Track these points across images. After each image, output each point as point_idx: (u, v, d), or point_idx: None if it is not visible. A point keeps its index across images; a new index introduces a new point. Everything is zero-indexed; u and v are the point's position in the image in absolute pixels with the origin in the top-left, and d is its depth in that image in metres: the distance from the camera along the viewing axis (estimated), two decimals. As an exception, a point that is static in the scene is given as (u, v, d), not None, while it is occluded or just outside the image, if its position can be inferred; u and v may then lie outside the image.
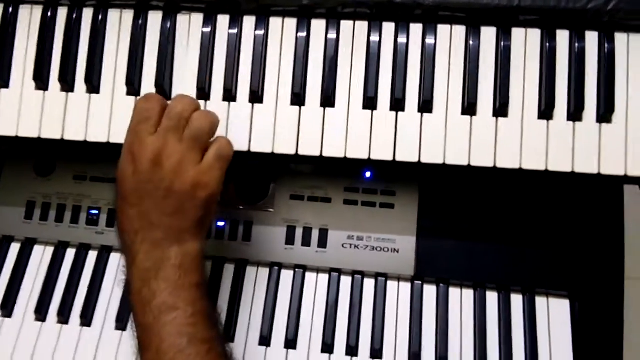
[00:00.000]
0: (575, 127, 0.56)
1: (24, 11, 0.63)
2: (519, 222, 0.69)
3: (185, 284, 0.51)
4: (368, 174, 0.71)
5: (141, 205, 0.51)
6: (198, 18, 0.61)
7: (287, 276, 0.70)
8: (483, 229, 0.69)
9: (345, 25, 0.60)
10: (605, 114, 0.56)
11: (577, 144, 0.56)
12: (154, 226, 0.51)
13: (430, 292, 0.69)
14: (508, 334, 0.67)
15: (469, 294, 0.69)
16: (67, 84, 0.61)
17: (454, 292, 0.69)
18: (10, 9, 0.63)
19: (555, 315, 0.67)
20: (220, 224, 0.71)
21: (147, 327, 0.49)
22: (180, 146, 0.52)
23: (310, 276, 0.70)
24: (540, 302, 0.68)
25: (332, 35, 0.59)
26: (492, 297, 0.69)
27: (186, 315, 0.49)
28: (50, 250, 0.74)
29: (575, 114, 0.56)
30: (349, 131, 0.58)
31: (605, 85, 0.56)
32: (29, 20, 0.63)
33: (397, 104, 0.58)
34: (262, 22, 0.60)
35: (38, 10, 0.63)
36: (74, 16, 0.62)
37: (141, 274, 0.51)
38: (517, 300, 0.68)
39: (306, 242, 0.70)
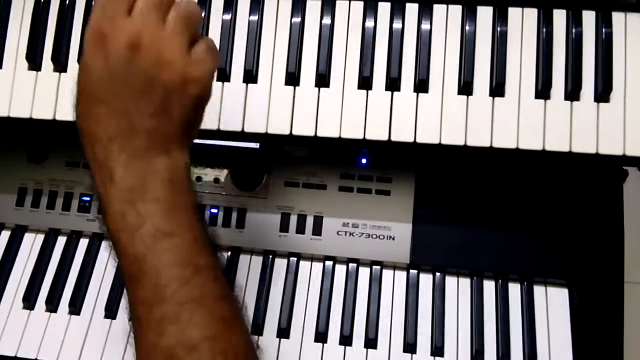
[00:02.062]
0: (573, 106, 0.56)
1: (18, -8, 0.63)
2: (517, 209, 0.68)
3: (179, 203, 0.42)
4: (364, 161, 0.70)
5: (115, 101, 0.41)
6: (193, -2, 0.61)
7: (280, 264, 0.69)
8: (480, 216, 0.68)
9: (341, 4, 0.59)
10: (602, 93, 0.55)
11: (574, 124, 0.55)
12: (134, 130, 0.41)
13: (426, 280, 0.68)
14: (505, 323, 0.65)
15: (465, 282, 0.68)
16: (60, 64, 0.61)
17: (450, 281, 0.68)
18: (5, -10, 0.63)
19: (553, 305, 0.66)
20: (214, 210, 0.70)
21: (137, 258, 0.40)
22: (164, 29, 0.42)
23: (304, 264, 0.69)
24: (539, 291, 0.67)
25: (327, 14, 0.59)
26: (489, 286, 0.67)
27: (185, 241, 0.41)
28: (41, 237, 0.73)
29: (572, 93, 0.56)
30: (344, 111, 0.58)
31: (603, 65, 0.56)
32: (23, 1, 0.62)
33: (393, 84, 0.57)
34: (257, 2, 0.60)
35: (32, -9, 0.63)
36: (68, -4, 0.62)
37: (123, 195, 0.41)
38: (514, 289, 0.67)
39: (300, 229, 0.69)
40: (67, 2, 0.62)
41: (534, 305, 0.66)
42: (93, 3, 0.47)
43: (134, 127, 0.41)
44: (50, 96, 0.61)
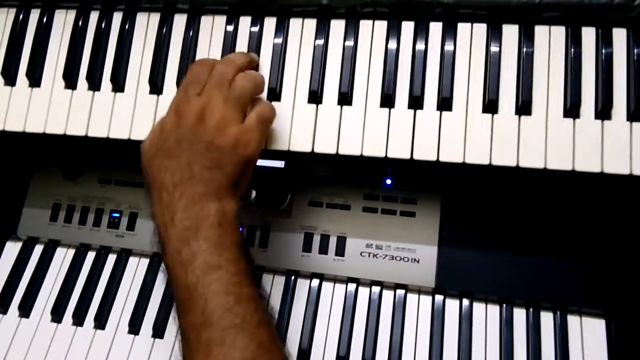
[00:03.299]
0: (604, 125, 0.54)
1: (59, 16, 0.66)
2: (549, 232, 0.65)
3: (226, 242, 0.50)
4: (388, 181, 0.69)
5: (182, 158, 0.51)
6: (221, 20, 0.63)
7: (303, 285, 0.68)
8: (510, 239, 0.65)
9: (364, 24, 0.60)
10: (635, 111, 0.53)
11: (606, 143, 0.53)
12: (194, 179, 0.51)
13: (452, 306, 0.66)
14: (537, 354, 0.62)
15: (494, 309, 0.65)
16: (94, 83, 0.63)
17: (478, 308, 0.65)
18: (46, 14, 0.66)
19: (589, 336, 0.62)
20: (238, 229, 0.70)
21: (189, 288, 0.48)
22: (223, 105, 0.52)
23: (327, 286, 0.68)
24: (573, 321, 0.63)
25: (350, 34, 0.59)
26: (519, 314, 0.64)
27: (229, 274, 0.48)
28: (71, 252, 0.75)
29: (603, 111, 0.53)
30: (366, 129, 0.57)
31: (636, 83, 0.53)
32: (63, 24, 0.66)
33: (415, 102, 0.57)
34: (282, 23, 0.61)
35: (72, 15, 0.66)
36: (105, 19, 0.65)
37: (180, 234, 0.49)
38: (547, 319, 0.64)
39: (323, 249, 0.68)
40: (103, 26, 0.65)
41: (568, 336, 0.63)
42: (183, 81, 0.56)
43: (194, 177, 0.51)
44: (84, 114, 0.63)
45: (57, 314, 0.70)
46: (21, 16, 0.67)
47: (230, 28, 0.62)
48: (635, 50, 0.54)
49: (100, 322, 0.69)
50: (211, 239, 0.49)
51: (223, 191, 0.51)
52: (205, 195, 0.50)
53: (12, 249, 0.76)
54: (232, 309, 0.47)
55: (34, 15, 0.67)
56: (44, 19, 0.66)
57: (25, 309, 0.71)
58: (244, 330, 0.46)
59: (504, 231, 0.66)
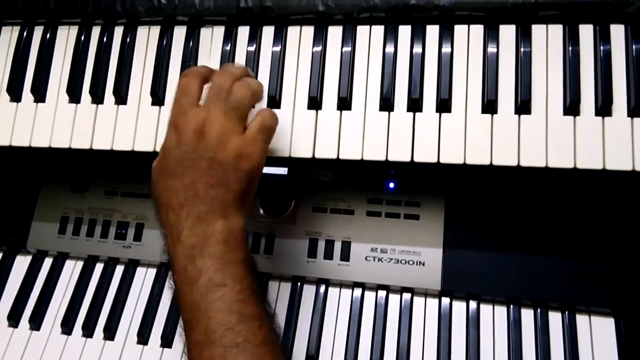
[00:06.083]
0: (605, 122, 0.53)
1: (62, 32, 0.68)
2: (555, 231, 0.64)
3: (232, 260, 0.49)
4: (392, 185, 0.69)
5: (186, 177, 0.50)
6: (219, 30, 0.63)
7: (309, 291, 0.68)
8: (515, 239, 0.65)
9: (361, 29, 0.60)
10: (636, 107, 0.53)
11: (607, 140, 0.53)
12: (199, 198, 0.50)
13: (459, 308, 0.65)
14: (546, 355, 0.62)
15: (501, 311, 0.65)
16: (97, 97, 0.64)
17: (485, 309, 0.65)
18: (50, 31, 0.67)
19: (598, 336, 0.62)
20: (243, 237, 0.70)
21: (193, 306, 0.48)
22: (223, 117, 0.51)
23: (333, 291, 0.68)
24: (582, 320, 0.63)
25: (348, 40, 0.60)
26: (527, 315, 0.64)
27: (234, 292, 0.48)
28: (80, 264, 0.75)
29: (603, 108, 0.53)
30: (366, 133, 0.58)
31: (635, 78, 0.53)
32: (65, 39, 0.67)
33: (415, 104, 0.57)
34: (280, 31, 0.62)
35: (74, 30, 0.67)
36: (106, 34, 0.66)
37: (186, 251, 0.49)
38: (555, 318, 0.63)
39: (328, 255, 0.68)
40: (105, 40, 0.66)
41: (577, 336, 0.62)
42: (175, 95, 0.55)
43: (198, 195, 0.50)
44: (88, 127, 0.64)
45: (67, 326, 0.71)
46: (25, 33, 0.68)
47: (228, 38, 0.63)
48: (634, 46, 0.54)
49: (110, 332, 0.70)
50: (216, 256, 0.49)
51: (229, 208, 0.51)
52: (210, 213, 0.50)
53: (22, 262, 0.77)
54: (235, 327, 0.46)
55: (38, 32, 0.68)
56: (47, 35, 0.67)
57: (36, 322, 0.72)
58: (245, 350, 0.46)
59: (509, 231, 0.65)
